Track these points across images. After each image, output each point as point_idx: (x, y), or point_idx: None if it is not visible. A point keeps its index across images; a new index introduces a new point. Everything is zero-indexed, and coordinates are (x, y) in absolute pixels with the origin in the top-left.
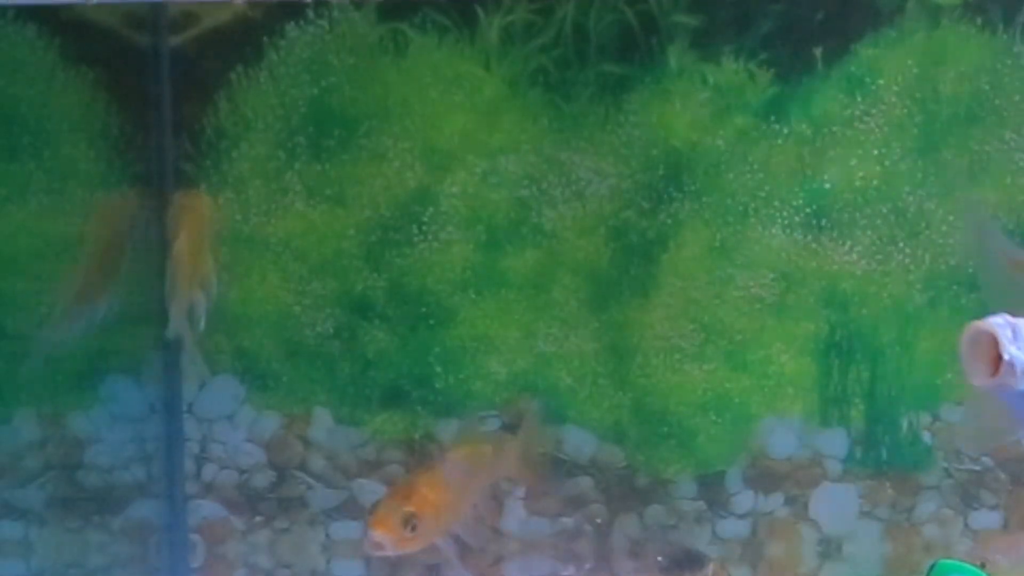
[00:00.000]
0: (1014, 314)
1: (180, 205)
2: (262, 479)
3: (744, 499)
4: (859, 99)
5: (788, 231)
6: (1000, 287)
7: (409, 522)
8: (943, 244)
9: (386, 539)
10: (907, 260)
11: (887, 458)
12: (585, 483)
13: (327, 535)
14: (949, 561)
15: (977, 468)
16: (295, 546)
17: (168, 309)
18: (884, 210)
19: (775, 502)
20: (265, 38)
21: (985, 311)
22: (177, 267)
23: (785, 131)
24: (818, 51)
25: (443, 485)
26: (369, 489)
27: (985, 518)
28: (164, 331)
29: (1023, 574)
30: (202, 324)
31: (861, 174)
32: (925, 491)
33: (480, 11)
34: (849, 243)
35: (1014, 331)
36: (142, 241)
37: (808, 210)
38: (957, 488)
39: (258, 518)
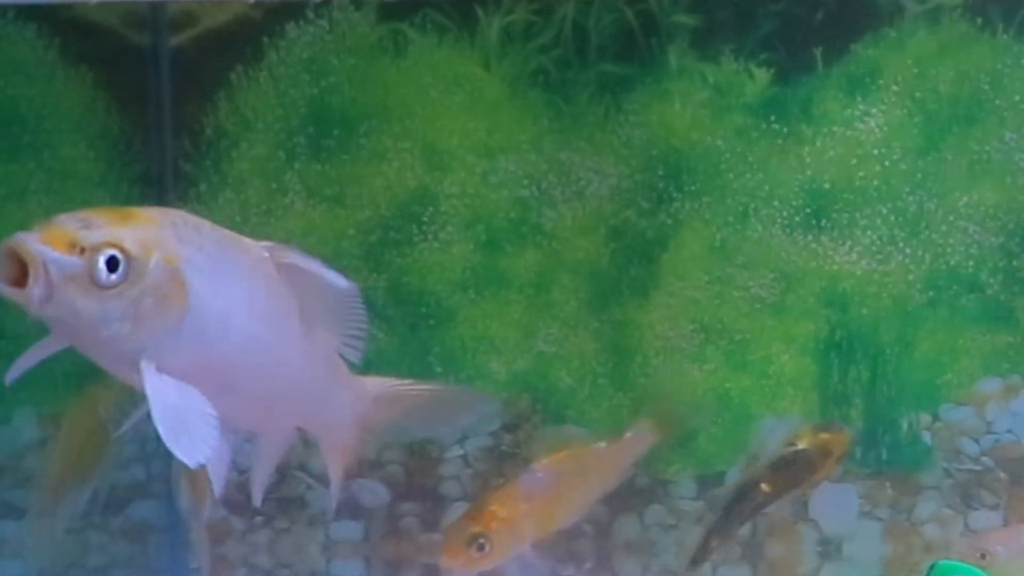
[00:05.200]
0: None
1: None
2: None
3: None
4: (859, 99)
5: (788, 231)
6: None
7: (475, 542)
8: (943, 244)
9: (453, 563)
10: (907, 260)
11: (887, 458)
12: None
13: (327, 535)
14: (948, 562)
15: (977, 468)
16: (295, 546)
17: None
18: (884, 210)
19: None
20: (265, 38)
21: (987, 313)
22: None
23: (785, 131)
24: (818, 51)
25: (519, 498)
26: (369, 489)
27: (985, 518)
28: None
29: (1022, 565)
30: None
31: (861, 174)
32: (925, 491)
33: (480, 11)
34: (849, 243)
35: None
36: None
37: (808, 210)
38: (957, 488)
39: (258, 518)
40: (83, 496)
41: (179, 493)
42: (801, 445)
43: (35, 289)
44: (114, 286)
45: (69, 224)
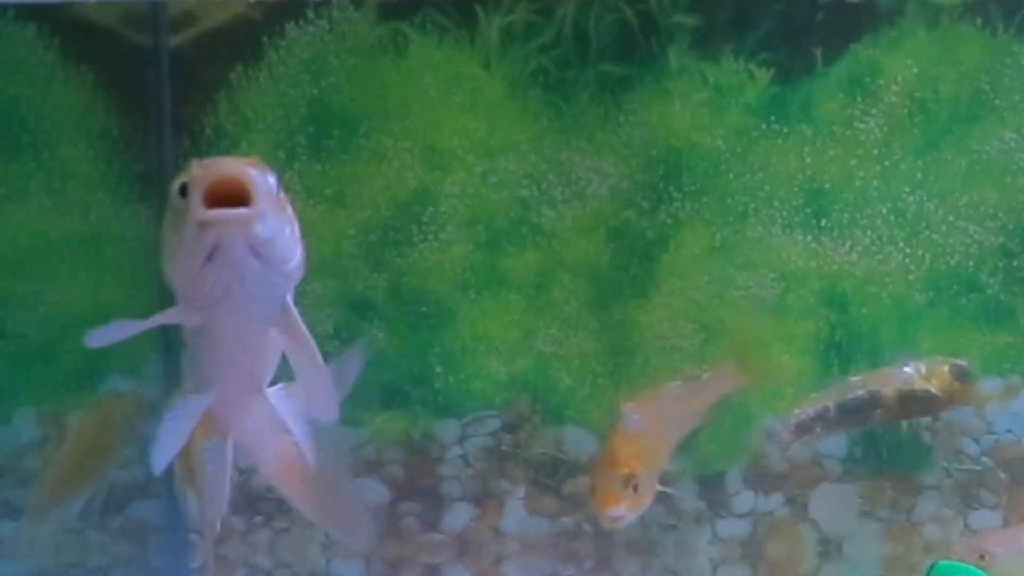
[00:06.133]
0: None
1: None
2: (262, 479)
3: (744, 499)
4: (859, 99)
5: (788, 231)
6: None
7: (629, 483)
8: (943, 244)
9: (620, 511)
10: (907, 260)
11: (887, 458)
12: (585, 483)
13: (327, 535)
14: (949, 562)
15: (977, 468)
16: (295, 546)
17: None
18: (884, 210)
19: (775, 502)
20: (265, 38)
21: (987, 313)
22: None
23: (785, 131)
24: (818, 51)
25: (633, 437)
26: (369, 489)
27: (985, 518)
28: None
29: (1021, 566)
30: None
31: (861, 174)
32: (925, 491)
33: (480, 11)
34: (849, 243)
35: None
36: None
37: (808, 210)
38: (957, 488)
39: (258, 518)
40: (80, 501)
41: (185, 499)
42: (933, 388)
43: (256, 208)
44: (285, 211)
45: (235, 160)
